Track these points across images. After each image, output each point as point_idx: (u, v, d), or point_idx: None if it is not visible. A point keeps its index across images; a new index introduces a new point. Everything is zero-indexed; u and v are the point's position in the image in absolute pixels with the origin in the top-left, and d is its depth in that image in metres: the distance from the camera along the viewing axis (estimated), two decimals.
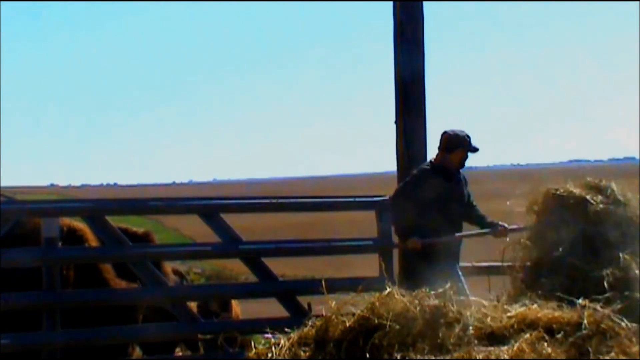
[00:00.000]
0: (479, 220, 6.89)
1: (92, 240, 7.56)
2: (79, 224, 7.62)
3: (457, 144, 6.80)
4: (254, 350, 5.51)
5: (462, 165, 6.89)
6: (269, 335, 5.60)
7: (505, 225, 6.65)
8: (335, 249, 7.68)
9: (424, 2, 7.67)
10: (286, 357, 5.18)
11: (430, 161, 6.93)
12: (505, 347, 4.20)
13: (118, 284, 7.54)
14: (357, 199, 7.78)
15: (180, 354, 9.04)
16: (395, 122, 7.69)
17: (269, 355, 5.31)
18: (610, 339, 4.32)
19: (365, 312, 5.00)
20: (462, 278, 6.59)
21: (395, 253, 7.25)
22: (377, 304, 5.05)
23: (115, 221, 7.19)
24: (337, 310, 5.21)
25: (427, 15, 7.67)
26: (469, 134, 6.85)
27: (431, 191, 6.65)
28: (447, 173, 6.81)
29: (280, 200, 7.69)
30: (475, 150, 6.83)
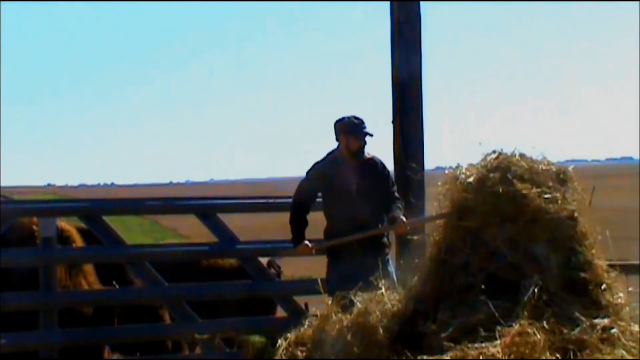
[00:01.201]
0: (388, 213, 6.21)
1: (79, 241, 7.50)
2: (65, 224, 7.57)
3: (337, 131, 6.40)
4: (251, 350, 5.53)
5: (351, 151, 6.35)
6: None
7: (404, 218, 6.08)
8: None
9: (422, 3, 7.67)
10: (283, 357, 5.19)
11: (327, 155, 6.51)
12: (497, 342, 4.17)
13: (99, 287, 7.48)
14: None
15: None
16: (393, 122, 7.68)
17: (266, 355, 5.32)
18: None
19: (362, 311, 5.01)
20: (391, 269, 6.22)
21: (392, 252, 7.23)
22: (373, 302, 5.06)
23: (112, 221, 7.17)
24: (334, 309, 5.22)
25: (424, 16, 7.67)
26: (356, 118, 6.35)
27: (321, 186, 6.38)
28: (340, 164, 6.36)
29: (277, 200, 7.69)
30: (349, 131, 6.30)
